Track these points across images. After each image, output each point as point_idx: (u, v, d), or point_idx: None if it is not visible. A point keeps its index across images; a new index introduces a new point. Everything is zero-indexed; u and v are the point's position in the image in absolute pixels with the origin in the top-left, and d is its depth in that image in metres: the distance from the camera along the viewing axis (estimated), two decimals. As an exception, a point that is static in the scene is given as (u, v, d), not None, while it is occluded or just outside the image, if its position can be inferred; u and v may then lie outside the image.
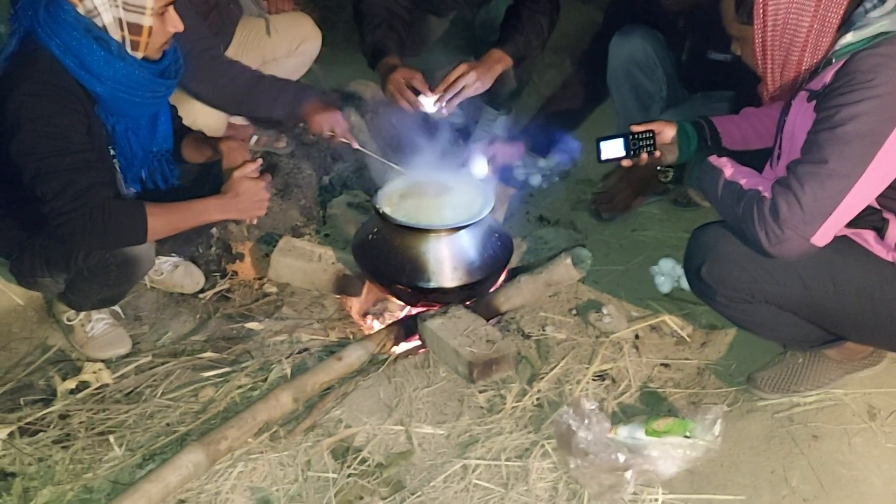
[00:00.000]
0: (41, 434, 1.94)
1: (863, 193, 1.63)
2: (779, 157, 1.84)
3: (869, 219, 1.74)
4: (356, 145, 2.48)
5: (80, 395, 2.06)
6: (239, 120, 2.98)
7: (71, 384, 2.06)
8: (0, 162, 1.94)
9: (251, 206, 2.07)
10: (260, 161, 2.11)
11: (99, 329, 2.25)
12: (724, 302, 1.87)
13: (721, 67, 2.51)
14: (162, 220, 1.94)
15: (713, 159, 1.86)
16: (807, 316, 1.86)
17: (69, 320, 2.26)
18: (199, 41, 2.43)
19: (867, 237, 1.77)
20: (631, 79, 2.68)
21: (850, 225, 1.71)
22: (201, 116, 2.51)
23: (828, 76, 1.66)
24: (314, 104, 2.45)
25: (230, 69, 2.49)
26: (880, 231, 1.75)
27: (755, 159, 1.91)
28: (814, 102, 1.67)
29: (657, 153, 2.04)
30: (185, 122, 2.35)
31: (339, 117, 2.45)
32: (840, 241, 1.73)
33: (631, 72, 2.68)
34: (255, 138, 3.02)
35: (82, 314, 2.25)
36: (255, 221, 2.18)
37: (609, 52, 2.71)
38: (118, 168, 2.11)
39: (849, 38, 1.65)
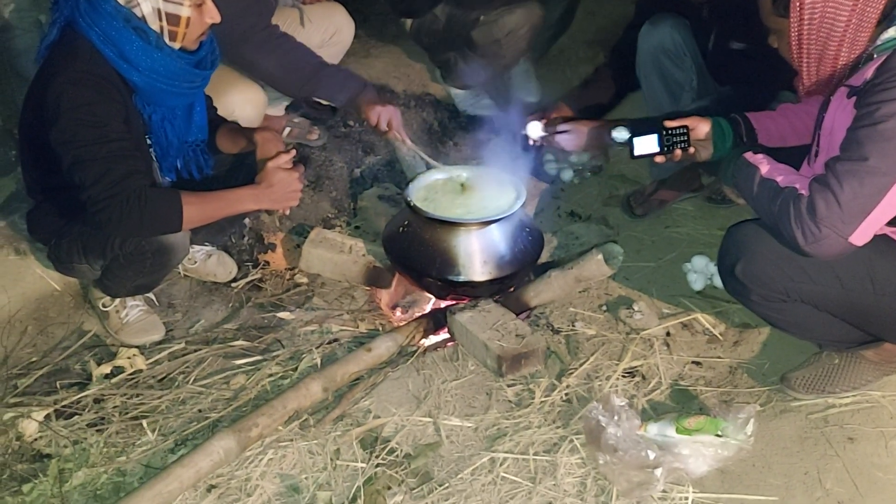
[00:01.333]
0: (76, 417, 1.97)
1: None
2: (817, 155, 1.80)
3: None
4: (409, 143, 2.53)
5: (114, 381, 2.09)
6: (273, 111, 3.00)
7: (106, 369, 2.10)
8: (40, 149, 1.98)
9: (284, 196, 2.09)
10: (293, 152, 2.13)
11: (133, 315, 2.28)
12: (759, 301, 1.85)
13: (749, 59, 2.46)
14: (197, 209, 1.96)
15: (749, 156, 1.83)
16: (844, 316, 1.83)
17: (104, 306, 2.30)
18: (261, 18, 2.48)
19: (908, 236, 1.73)
20: (660, 67, 2.64)
21: (890, 223, 1.68)
22: (238, 108, 2.53)
23: (868, 72, 1.62)
24: (373, 97, 2.56)
25: (298, 49, 2.57)
26: (921, 230, 1.71)
27: (792, 157, 1.87)
28: (854, 99, 1.64)
29: (691, 149, 2.01)
30: (222, 113, 2.37)
31: (395, 112, 2.53)
32: (879, 239, 1.69)
33: (659, 60, 2.63)
34: (287, 130, 3.04)
35: (117, 301, 2.28)
36: (287, 212, 2.20)
37: (638, 41, 2.67)
38: (154, 157, 2.14)
39: (891, 32, 1.61)
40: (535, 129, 2.51)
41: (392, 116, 2.53)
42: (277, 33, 2.56)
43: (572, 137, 2.48)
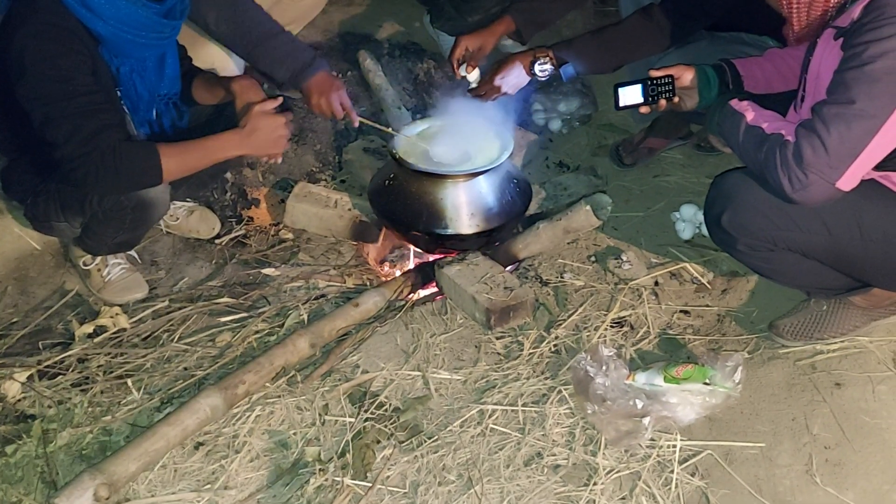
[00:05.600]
0: (60, 377, 1.95)
1: (892, 134, 1.56)
2: (803, 99, 1.77)
3: None
4: (357, 123, 2.33)
5: (97, 340, 2.06)
6: None
7: (88, 328, 2.07)
8: (9, 106, 1.92)
9: (269, 142, 2.01)
10: (280, 99, 2.05)
11: (115, 274, 2.25)
12: (746, 251, 1.83)
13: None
14: (177, 161, 1.90)
15: (734, 103, 1.79)
16: (832, 263, 1.82)
17: (85, 265, 2.26)
18: None
19: (896, 180, 1.71)
20: None
21: (877, 168, 1.65)
22: (218, 60, 2.45)
23: (856, 11, 1.58)
24: (320, 81, 2.27)
25: (255, 13, 2.35)
26: (910, 173, 1.69)
27: (779, 103, 1.84)
28: (841, 40, 1.59)
29: (676, 99, 1.96)
30: (201, 65, 2.30)
31: (341, 96, 2.28)
32: (866, 184, 1.67)
33: None
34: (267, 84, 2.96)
35: (98, 259, 2.25)
36: (277, 160, 2.12)
37: None
38: (126, 111, 2.08)
39: None
40: (472, 75, 2.42)
41: (335, 101, 2.26)
42: None
43: (511, 79, 2.35)
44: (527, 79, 2.36)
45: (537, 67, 2.30)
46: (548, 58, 2.29)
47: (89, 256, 2.25)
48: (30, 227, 2.23)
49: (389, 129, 2.31)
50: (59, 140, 1.81)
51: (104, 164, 1.81)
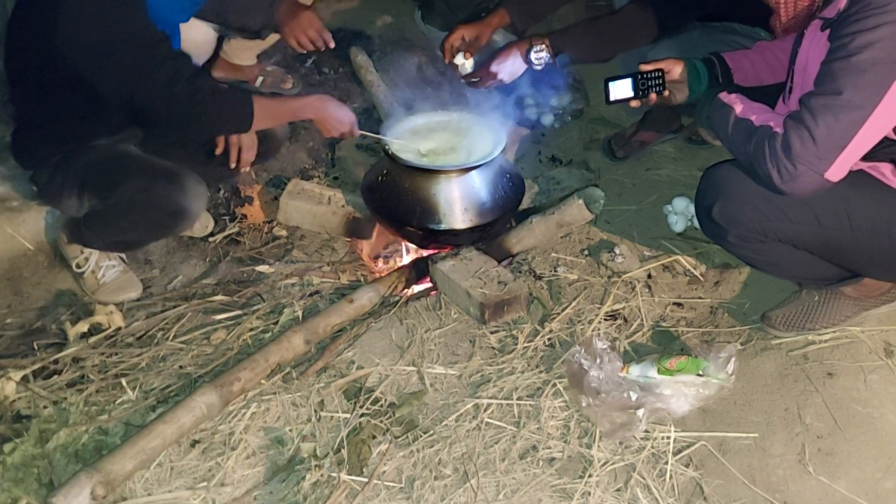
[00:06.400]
0: (55, 377, 1.95)
1: (879, 125, 1.57)
2: (791, 91, 1.77)
3: (886, 151, 1.68)
4: (332, 44, 2.27)
5: (92, 340, 2.06)
6: (245, 60, 2.91)
7: (83, 327, 2.07)
8: (38, 74, 1.93)
9: (339, 119, 2.12)
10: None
11: (110, 275, 2.24)
12: (737, 242, 1.84)
13: None
14: (264, 112, 1.99)
15: (723, 96, 1.80)
16: (822, 253, 1.83)
17: (79, 267, 2.24)
18: None
19: (884, 170, 1.72)
20: None
21: (865, 158, 1.66)
22: (192, 30, 2.42)
23: (842, 2, 1.59)
24: (287, 8, 2.24)
25: None
26: (897, 163, 1.70)
27: (768, 96, 1.84)
28: (828, 31, 1.60)
29: (666, 92, 1.97)
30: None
31: (311, 19, 2.24)
32: (855, 175, 1.68)
33: None
34: (260, 79, 2.96)
35: (91, 261, 2.22)
36: (350, 133, 2.16)
37: None
38: None
39: None
40: (463, 63, 2.43)
41: (308, 26, 2.23)
42: None
43: (507, 66, 2.36)
44: (523, 67, 2.35)
45: (533, 55, 2.30)
46: (543, 45, 2.29)
47: (83, 258, 2.23)
48: (23, 227, 2.23)
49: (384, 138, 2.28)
50: (160, 81, 1.83)
51: (205, 104, 1.86)
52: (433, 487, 1.67)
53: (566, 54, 2.32)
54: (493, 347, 2.03)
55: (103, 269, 2.24)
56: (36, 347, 2.04)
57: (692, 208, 2.39)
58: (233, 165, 2.19)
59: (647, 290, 2.20)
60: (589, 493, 1.64)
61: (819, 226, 1.74)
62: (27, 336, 2.09)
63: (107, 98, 1.92)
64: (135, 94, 1.87)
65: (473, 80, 2.41)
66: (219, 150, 2.18)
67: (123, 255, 2.33)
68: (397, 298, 2.17)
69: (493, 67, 2.35)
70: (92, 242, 2.21)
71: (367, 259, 2.44)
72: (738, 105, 1.75)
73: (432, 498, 1.65)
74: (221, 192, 2.58)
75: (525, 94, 3.05)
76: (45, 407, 1.87)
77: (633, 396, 1.77)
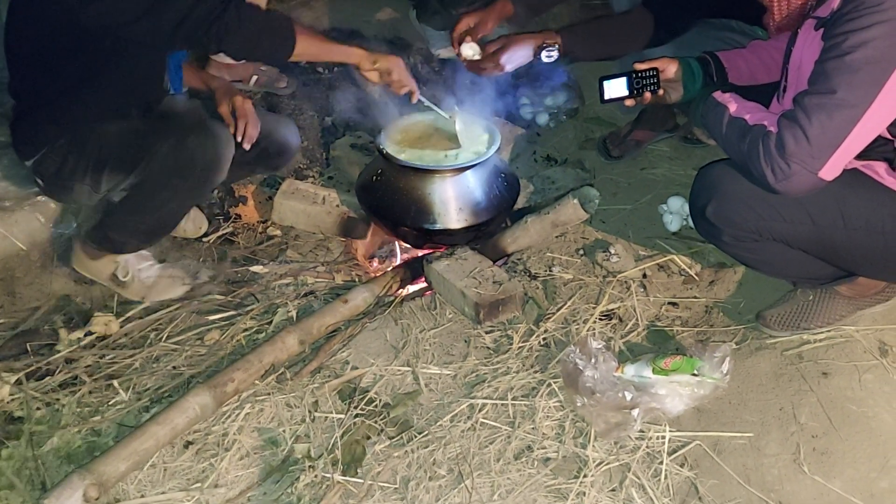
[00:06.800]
0: (48, 378, 1.94)
1: (872, 123, 1.57)
2: (785, 90, 1.77)
3: (880, 150, 1.68)
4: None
5: (85, 342, 2.05)
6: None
7: (79, 335, 2.05)
8: (48, 47, 1.86)
9: (408, 74, 2.08)
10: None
11: (153, 273, 2.19)
12: (731, 241, 1.84)
13: None
14: (306, 41, 1.92)
15: (717, 95, 1.80)
16: (816, 252, 1.83)
17: (123, 278, 2.16)
18: None
19: (878, 169, 1.72)
20: None
21: (859, 157, 1.66)
22: None
23: (835, 2, 1.58)
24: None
25: None
26: (892, 162, 1.70)
27: (763, 95, 1.84)
28: (821, 31, 1.60)
29: (661, 91, 1.97)
30: None
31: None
32: (849, 174, 1.68)
33: None
34: (254, 79, 2.95)
35: (131, 268, 2.15)
36: (413, 95, 2.13)
37: None
38: None
39: None
40: (467, 49, 2.40)
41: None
42: None
43: (510, 56, 2.28)
44: (529, 59, 2.33)
45: (544, 54, 2.27)
46: (556, 45, 2.26)
47: (120, 268, 2.15)
48: (15, 227, 2.21)
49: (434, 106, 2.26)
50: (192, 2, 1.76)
51: (247, 16, 1.80)
52: (428, 488, 1.67)
53: (575, 54, 2.30)
54: (488, 347, 2.02)
55: (143, 270, 2.18)
56: (29, 349, 2.03)
57: (687, 208, 2.38)
58: (239, 139, 2.13)
59: (642, 290, 2.20)
60: (584, 493, 1.64)
61: (813, 225, 1.74)
62: (20, 337, 2.08)
63: (147, 36, 1.83)
64: (184, 22, 1.79)
65: (482, 67, 2.38)
66: (231, 128, 2.13)
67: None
68: (392, 298, 2.16)
69: (503, 59, 2.31)
70: (125, 242, 2.12)
71: (361, 259, 2.44)
72: (733, 104, 1.75)
73: (427, 498, 1.65)
74: (216, 192, 2.56)
75: (519, 94, 3.05)
76: (37, 409, 1.86)
77: (628, 396, 1.76)
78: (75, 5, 1.77)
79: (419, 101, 2.16)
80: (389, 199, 2.22)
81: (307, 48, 1.94)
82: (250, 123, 2.15)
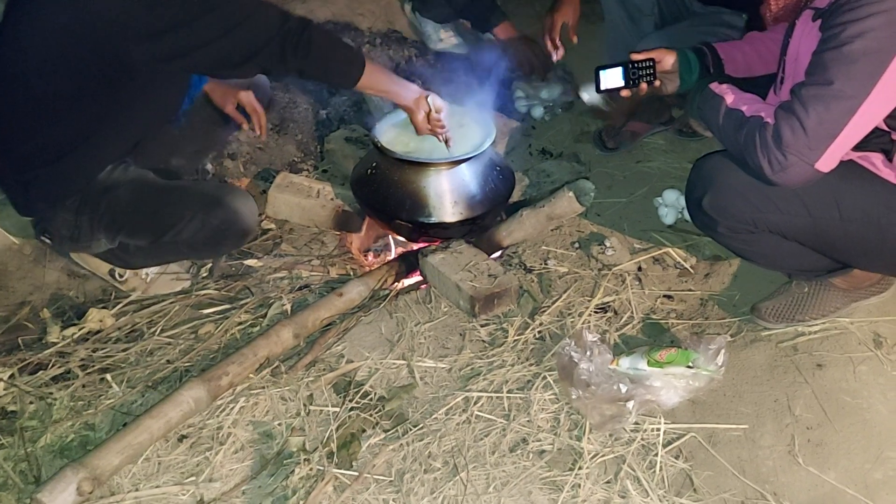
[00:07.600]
0: (41, 372, 1.93)
1: (870, 115, 1.57)
2: (782, 81, 1.77)
3: (876, 141, 1.68)
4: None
5: (77, 335, 2.04)
6: None
7: (73, 332, 2.04)
8: (49, 107, 1.80)
9: (430, 120, 2.10)
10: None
11: (152, 269, 2.22)
12: (727, 233, 1.84)
13: None
14: (374, 73, 1.96)
15: (714, 86, 1.80)
16: (812, 244, 1.83)
17: (121, 276, 2.18)
18: None
19: (874, 160, 1.72)
20: None
21: (856, 148, 1.66)
22: None
23: None
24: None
25: None
26: (888, 154, 1.70)
27: (759, 86, 1.84)
28: (819, 21, 1.60)
29: (657, 82, 1.96)
30: None
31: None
32: (845, 165, 1.68)
33: None
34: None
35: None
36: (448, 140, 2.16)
37: None
38: None
39: None
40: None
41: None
42: None
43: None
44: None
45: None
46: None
47: (120, 269, 2.18)
48: (7, 220, 2.20)
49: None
50: (273, 24, 1.76)
51: (322, 40, 1.82)
52: (423, 481, 1.67)
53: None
54: (483, 341, 2.02)
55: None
56: (21, 343, 2.02)
57: (682, 201, 2.38)
58: (257, 132, 2.30)
59: (637, 283, 2.20)
60: (579, 486, 1.64)
61: (809, 216, 1.74)
62: (13, 331, 2.07)
63: (218, 66, 1.82)
64: (265, 48, 1.78)
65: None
66: (245, 127, 2.29)
67: None
68: (387, 292, 2.16)
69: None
70: (133, 265, 2.17)
71: (356, 252, 2.43)
72: (729, 95, 1.75)
73: (422, 491, 1.65)
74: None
75: (515, 87, 3.05)
76: (30, 403, 1.85)
77: (623, 389, 1.76)
78: (138, 47, 1.71)
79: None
80: (384, 193, 2.22)
81: (371, 80, 1.96)
82: (261, 115, 2.27)
